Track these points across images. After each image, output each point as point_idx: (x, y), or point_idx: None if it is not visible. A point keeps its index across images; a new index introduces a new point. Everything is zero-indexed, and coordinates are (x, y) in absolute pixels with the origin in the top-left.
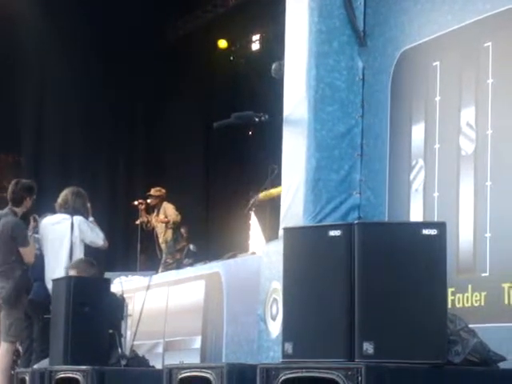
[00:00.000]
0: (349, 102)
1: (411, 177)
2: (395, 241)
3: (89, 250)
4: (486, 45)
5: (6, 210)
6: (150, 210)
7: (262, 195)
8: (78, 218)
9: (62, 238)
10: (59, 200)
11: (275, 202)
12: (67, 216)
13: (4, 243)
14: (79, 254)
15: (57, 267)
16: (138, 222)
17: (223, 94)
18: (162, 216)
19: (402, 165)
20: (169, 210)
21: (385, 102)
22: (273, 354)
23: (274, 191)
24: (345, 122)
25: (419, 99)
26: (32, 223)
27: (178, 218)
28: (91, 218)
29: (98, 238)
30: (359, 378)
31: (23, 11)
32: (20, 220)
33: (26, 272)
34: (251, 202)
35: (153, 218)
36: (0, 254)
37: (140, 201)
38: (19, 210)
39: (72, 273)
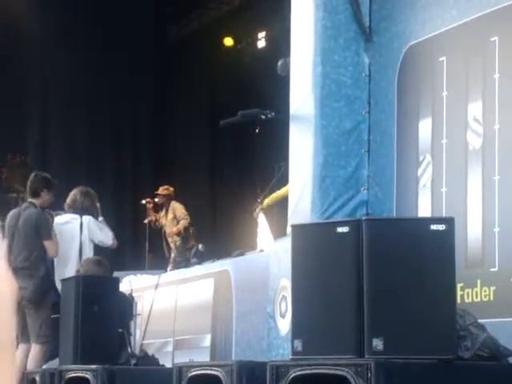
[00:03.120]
0: (355, 98)
1: (419, 172)
2: (403, 236)
3: (98, 249)
4: (492, 39)
5: (25, 204)
6: (158, 208)
7: (265, 202)
8: (87, 218)
9: (72, 237)
10: (68, 200)
11: (283, 201)
12: (76, 216)
13: (27, 236)
14: (89, 253)
15: (66, 267)
16: (146, 221)
17: (229, 91)
18: (170, 215)
19: (409, 160)
20: (178, 211)
21: (391, 98)
22: (282, 352)
23: (276, 194)
24: (351, 118)
25: (426, 94)
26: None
27: (188, 221)
28: (101, 218)
29: (107, 237)
30: (369, 375)
31: (25, 10)
32: (42, 211)
33: (49, 269)
34: (257, 208)
35: (161, 217)
36: (23, 249)
37: (148, 200)
38: (38, 202)
39: (79, 272)
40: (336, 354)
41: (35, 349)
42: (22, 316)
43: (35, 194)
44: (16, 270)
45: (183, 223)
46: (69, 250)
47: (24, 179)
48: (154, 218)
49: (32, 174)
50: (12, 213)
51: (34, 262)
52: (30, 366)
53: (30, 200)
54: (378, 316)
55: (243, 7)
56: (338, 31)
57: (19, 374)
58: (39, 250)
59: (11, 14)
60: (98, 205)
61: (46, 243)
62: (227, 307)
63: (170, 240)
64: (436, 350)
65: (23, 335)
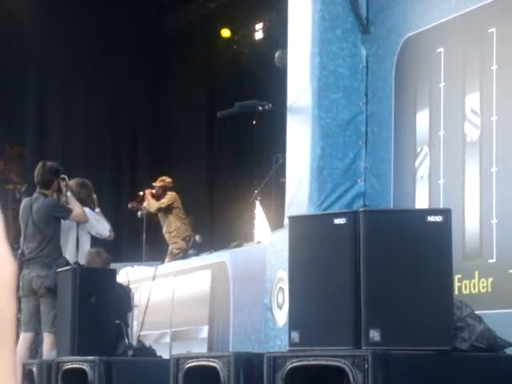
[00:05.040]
0: (353, 89)
1: (416, 164)
2: (400, 228)
3: (95, 241)
4: (489, 31)
5: (35, 195)
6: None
7: None
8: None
9: (68, 228)
10: None
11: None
12: None
13: (42, 226)
14: (86, 245)
15: None
16: (129, 206)
17: (226, 83)
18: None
19: (406, 152)
20: (166, 197)
21: (389, 89)
22: (279, 343)
23: None
24: (349, 110)
25: (423, 86)
26: (62, 183)
27: (165, 202)
28: (97, 209)
29: (104, 229)
30: (366, 366)
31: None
32: (54, 198)
33: (67, 260)
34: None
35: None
36: (39, 239)
37: (146, 191)
38: (49, 193)
39: (84, 263)
40: (333, 346)
41: (48, 339)
42: (33, 304)
43: (45, 185)
44: (34, 260)
45: (162, 202)
46: (66, 241)
47: (21, 171)
48: (135, 205)
49: (39, 165)
50: (23, 204)
51: (52, 251)
52: (46, 355)
53: (39, 190)
54: (375, 307)
55: None
56: (336, 22)
57: (19, 364)
58: (55, 239)
59: (7, 4)
60: (94, 196)
61: (73, 218)
62: (224, 299)
63: (164, 231)
64: (433, 341)
65: (28, 324)
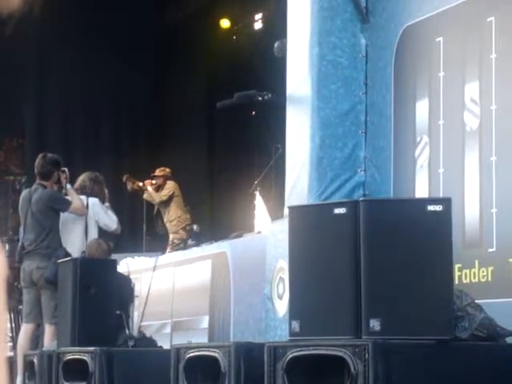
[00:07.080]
0: (352, 79)
1: (416, 153)
2: (400, 217)
3: (102, 233)
4: (488, 19)
5: (35, 186)
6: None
7: None
8: (92, 200)
9: (76, 218)
10: (76, 185)
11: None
12: (83, 197)
13: (42, 218)
14: (94, 235)
15: (70, 248)
16: (129, 188)
17: (226, 73)
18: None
19: (406, 141)
20: (166, 187)
21: (388, 79)
22: (280, 333)
23: None
24: (348, 100)
25: (423, 75)
26: (62, 175)
27: (165, 193)
28: (107, 204)
29: (111, 221)
30: (366, 355)
31: None
32: (53, 189)
33: (66, 250)
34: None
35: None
36: (39, 230)
37: (146, 182)
38: (48, 185)
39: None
40: (333, 335)
41: (49, 330)
42: (34, 296)
43: (45, 176)
44: (34, 251)
45: (163, 194)
46: (74, 230)
47: (21, 162)
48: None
49: (40, 156)
50: (22, 196)
51: (51, 242)
52: (47, 346)
53: (39, 182)
54: (376, 297)
55: None
56: (335, 12)
57: (20, 356)
58: (54, 230)
59: None
60: (106, 191)
61: (72, 210)
62: (225, 289)
63: (165, 220)
64: (433, 330)
65: (29, 315)
